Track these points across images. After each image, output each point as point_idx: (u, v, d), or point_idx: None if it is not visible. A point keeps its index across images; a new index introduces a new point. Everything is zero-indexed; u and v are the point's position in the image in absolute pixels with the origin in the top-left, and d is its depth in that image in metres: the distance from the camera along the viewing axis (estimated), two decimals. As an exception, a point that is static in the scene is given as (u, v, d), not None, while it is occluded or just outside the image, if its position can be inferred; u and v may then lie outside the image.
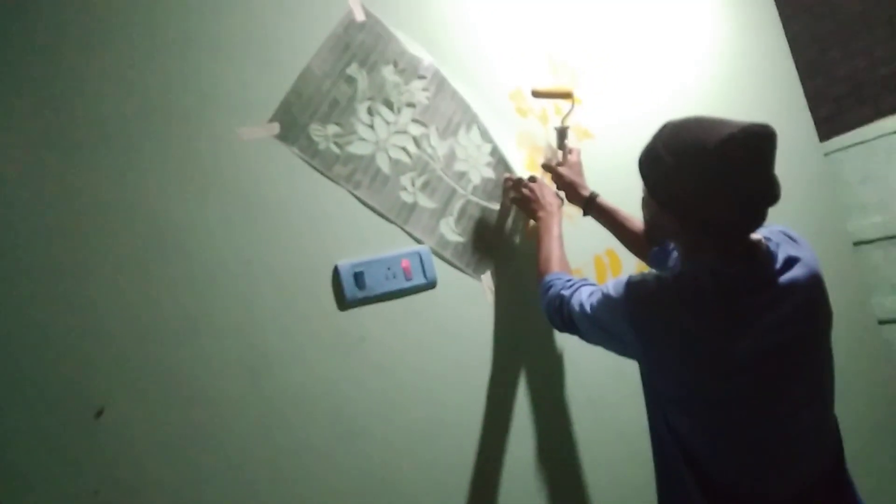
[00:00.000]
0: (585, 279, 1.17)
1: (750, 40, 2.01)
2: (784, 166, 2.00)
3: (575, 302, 1.08)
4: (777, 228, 1.01)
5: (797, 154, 1.99)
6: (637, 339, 0.96)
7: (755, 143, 0.85)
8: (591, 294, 1.06)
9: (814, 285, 0.94)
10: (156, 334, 1.04)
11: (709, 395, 0.93)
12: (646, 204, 1.03)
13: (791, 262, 0.94)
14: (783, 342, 0.90)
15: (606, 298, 1.01)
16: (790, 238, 0.99)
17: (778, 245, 0.95)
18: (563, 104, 1.51)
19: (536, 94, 1.47)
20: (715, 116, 0.91)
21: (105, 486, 0.96)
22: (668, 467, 1.01)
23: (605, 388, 1.45)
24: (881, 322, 2.12)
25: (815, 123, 2.32)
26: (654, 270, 1.12)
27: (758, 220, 0.90)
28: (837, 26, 2.92)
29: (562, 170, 1.42)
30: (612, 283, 1.02)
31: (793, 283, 0.92)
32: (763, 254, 0.94)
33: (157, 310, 1.05)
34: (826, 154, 2.21)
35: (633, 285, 0.98)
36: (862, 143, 2.11)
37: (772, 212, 1.67)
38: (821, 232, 1.98)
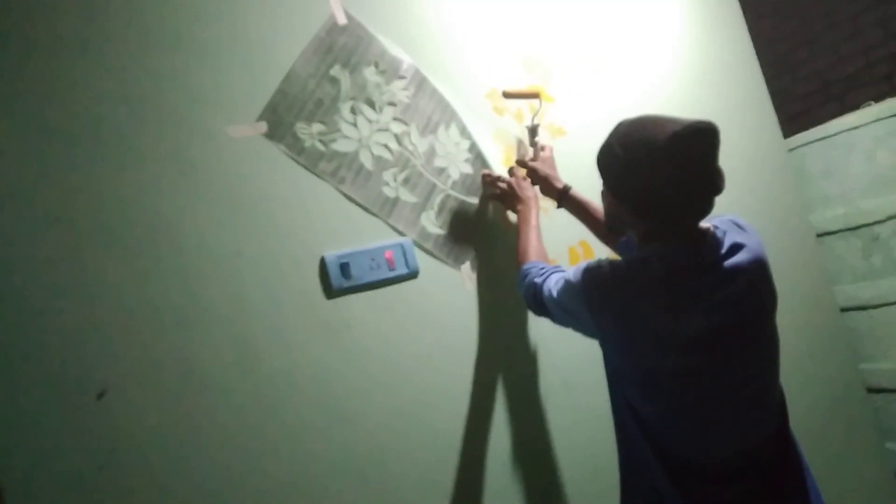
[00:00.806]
0: (558, 266, 1.25)
1: (716, 40, 2.10)
2: (748, 161, 2.12)
3: (545, 288, 1.16)
4: (727, 218, 1.09)
5: (761, 149, 2.08)
6: (592, 320, 1.05)
7: (700, 139, 0.93)
8: (557, 281, 1.14)
9: (757, 269, 1.02)
10: (151, 322, 1.10)
11: (657, 371, 1.01)
12: (604, 196, 1.12)
13: (736, 248, 1.01)
14: (727, 321, 0.98)
15: (567, 284, 1.10)
16: (738, 226, 1.07)
17: (725, 232, 1.03)
18: (537, 103, 1.59)
19: (507, 96, 1.55)
20: (665, 115, 0.99)
21: (109, 462, 1.02)
22: (627, 439, 1.10)
23: (577, 372, 1.53)
24: (843, 310, 2.23)
25: (786, 120, 2.43)
26: (617, 257, 1.20)
27: (704, 208, 0.98)
28: (803, 25, 3.03)
29: (535, 165, 1.49)
30: (573, 270, 1.11)
31: (737, 268, 1.00)
32: (710, 240, 1.02)
33: (151, 299, 1.11)
34: (791, 149, 2.32)
35: (589, 271, 1.07)
36: (824, 138, 2.21)
37: (736, 204, 1.77)
38: (784, 224, 2.09)
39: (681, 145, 0.92)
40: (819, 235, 2.26)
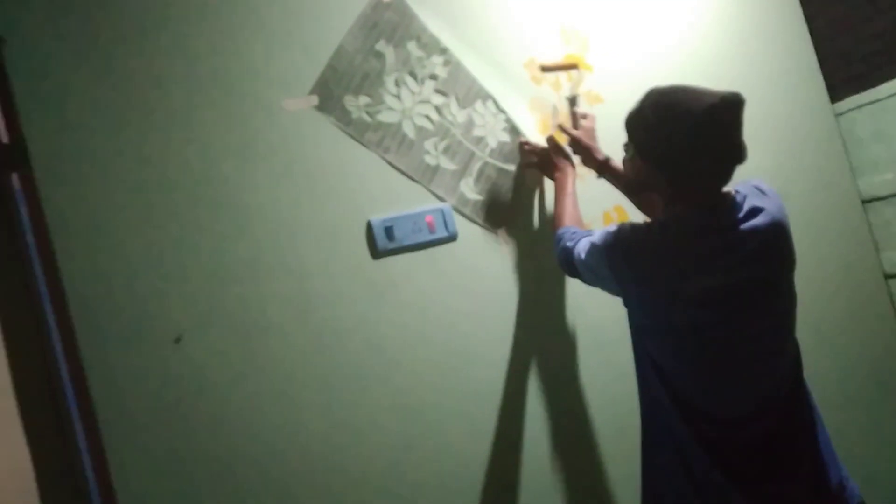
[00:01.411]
0: (590, 231, 1.32)
1: (760, 2, 2.07)
2: (792, 125, 2.11)
3: (576, 251, 1.25)
4: (751, 183, 1.14)
5: (806, 114, 2.06)
6: (614, 278, 1.14)
7: (729, 111, 0.99)
8: (585, 244, 1.22)
9: (774, 232, 1.07)
10: (220, 276, 1.24)
11: (673, 326, 1.09)
12: (630, 161, 1.18)
13: (755, 211, 1.07)
14: (741, 279, 1.04)
15: (592, 246, 1.19)
16: (760, 191, 1.12)
17: (745, 196, 1.09)
18: (576, 73, 1.64)
19: (546, 69, 1.60)
20: (695, 86, 1.05)
21: (185, 400, 1.18)
22: (648, 388, 1.18)
23: (608, 331, 1.60)
24: (889, 276, 2.20)
25: (846, 81, 2.37)
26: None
27: (727, 176, 1.05)
28: (868, -18, 2.88)
29: (578, 135, 1.53)
30: (599, 233, 1.19)
31: (754, 230, 1.05)
32: (729, 204, 1.07)
33: (220, 256, 1.25)
34: (840, 114, 2.27)
35: (611, 233, 1.15)
36: (875, 101, 2.16)
37: (778, 169, 1.79)
38: (829, 189, 2.07)
39: (711, 116, 0.98)
40: (868, 201, 2.22)
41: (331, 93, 1.39)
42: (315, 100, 1.37)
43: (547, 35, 1.68)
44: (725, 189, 1.09)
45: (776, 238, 1.08)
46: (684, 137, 1.01)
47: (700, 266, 1.05)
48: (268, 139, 1.32)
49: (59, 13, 1.18)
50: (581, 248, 1.23)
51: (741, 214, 1.06)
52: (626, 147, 1.18)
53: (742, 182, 1.13)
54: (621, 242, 1.12)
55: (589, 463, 1.54)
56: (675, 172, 1.07)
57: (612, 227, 1.17)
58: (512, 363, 1.50)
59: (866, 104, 2.21)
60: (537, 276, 1.57)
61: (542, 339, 1.55)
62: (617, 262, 1.12)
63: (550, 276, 1.58)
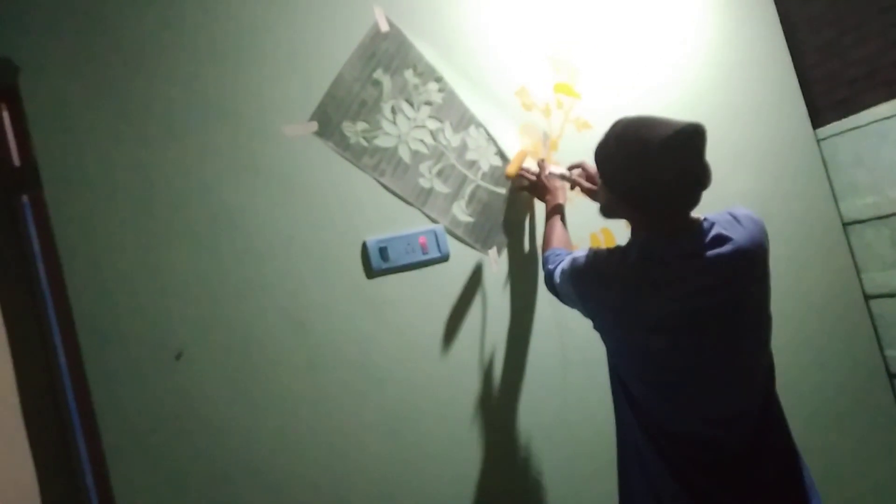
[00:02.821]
0: (572, 252, 1.36)
1: (745, 31, 2.14)
2: (775, 150, 2.18)
3: (555, 275, 1.31)
4: (728, 210, 1.17)
5: (788, 139, 2.13)
6: (580, 302, 1.20)
7: (688, 142, 1.03)
8: (561, 268, 1.28)
9: (738, 260, 1.08)
10: (221, 294, 1.29)
11: (634, 349, 1.13)
12: (600, 189, 1.23)
13: (720, 240, 1.08)
14: (700, 307, 1.06)
15: (563, 272, 1.25)
16: (734, 219, 1.13)
17: (713, 224, 1.10)
18: (564, 106, 1.70)
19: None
20: (659, 117, 1.08)
21: (184, 415, 1.23)
22: (619, 408, 1.23)
23: (595, 349, 1.65)
24: (872, 297, 2.27)
25: (832, 105, 2.44)
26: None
27: (689, 203, 1.08)
28: (851, 9, 3.01)
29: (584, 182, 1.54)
30: (571, 257, 1.24)
31: (717, 257, 1.07)
32: (695, 232, 1.09)
33: (220, 275, 1.30)
34: (822, 139, 2.35)
35: (576, 259, 1.21)
36: (856, 128, 2.23)
37: (761, 192, 1.82)
38: (811, 212, 2.14)
39: (668, 146, 1.02)
40: (849, 224, 2.29)
41: (329, 119, 1.45)
42: (314, 126, 1.43)
43: (537, 64, 1.74)
44: (695, 216, 1.12)
45: (739, 266, 1.08)
46: (642, 167, 1.05)
47: (660, 292, 1.08)
48: (268, 163, 1.38)
49: (71, 43, 1.24)
50: (558, 272, 1.29)
51: (706, 242, 1.08)
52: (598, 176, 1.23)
53: (720, 211, 1.16)
54: (587, 268, 1.18)
55: (577, 479, 1.58)
56: (636, 201, 1.11)
57: (581, 253, 1.23)
58: (501, 381, 1.56)
59: (847, 130, 2.29)
60: (527, 296, 1.62)
61: (530, 357, 1.60)
62: (582, 287, 1.19)
63: (539, 296, 1.63)
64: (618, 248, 1.17)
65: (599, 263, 1.17)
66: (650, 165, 1.04)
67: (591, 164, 1.54)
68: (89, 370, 1.18)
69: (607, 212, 1.24)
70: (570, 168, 1.57)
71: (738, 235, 1.10)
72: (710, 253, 1.08)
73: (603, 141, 1.15)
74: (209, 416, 1.25)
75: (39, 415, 1.24)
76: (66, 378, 1.23)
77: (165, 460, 1.20)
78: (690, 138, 1.03)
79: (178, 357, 1.25)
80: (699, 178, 1.06)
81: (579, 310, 1.26)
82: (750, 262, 1.10)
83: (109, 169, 1.25)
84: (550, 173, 1.57)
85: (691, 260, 1.08)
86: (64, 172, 1.22)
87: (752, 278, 1.11)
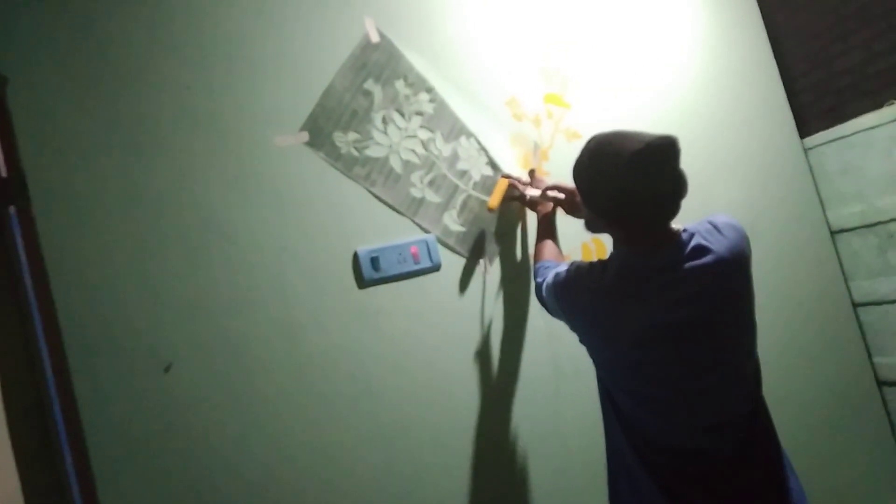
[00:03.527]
0: (559, 265, 1.36)
1: (732, 42, 2.17)
2: (763, 160, 2.20)
3: (542, 288, 1.32)
4: (708, 219, 1.16)
5: (776, 149, 2.16)
6: (563, 315, 1.21)
7: (658, 154, 1.02)
8: (546, 282, 1.29)
9: (718, 270, 1.07)
10: (210, 305, 1.28)
11: (616, 361, 1.14)
12: (581, 205, 1.22)
13: (700, 251, 1.08)
14: (680, 318, 1.06)
15: (547, 286, 1.26)
16: (715, 228, 1.12)
17: (692, 235, 1.10)
18: (554, 116, 1.70)
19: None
20: (633, 131, 1.07)
21: (174, 427, 1.21)
22: (606, 418, 1.23)
23: (586, 360, 1.66)
24: (859, 304, 2.29)
25: (820, 115, 2.47)
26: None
27: (665, 216, 1.07)
28: (838, 20, 3.05)
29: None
30: (554, 271, 1.25)
31: (696, 269, 1.06)
32: (674, 244, 1.09)
33: (210, 287, 1.29)
34: (809, 148, 2.37)
35: (559, 274, 1.22)
36: (842, 137, 2.26)
37: (749, 202, 1.83)
38: (799, 220, 2.16)
39: (640, 162, 1.01)
40: (836, 232, 2.31)
41: (321, 129, 1.45)
42: (305, 136, 1.43)
43: (528, 74, 1.75)
44: (676, 227, 1.12)
45: (720, 276, 1.08)
46: (614, 184, 1.05)
47: (640, 306, 1.08)
48: (259, 173, 1.37)
49: (60, 54, 1.24)
50: (544, 286, 1.30)
51: (685, 254, 1.08)
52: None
53: (699, 221, 1.16)
54: (568, 283, 1.19)
55: (570, 490, 1.58)
56: (612, 217, 1.11)
57: (564, 267, 1.24)
58: (493, 391, 1.55)
59: (834, 140, 2.31)
60: (519, 306, 1.62)
61: (523, 368, 1.60)
62: (564, 301, 1.20)
63: (531, 306, 1.63)
64: (598, 263, 1.18)
65: (580, 278, 1.18)
66: (622, 182, 1.04)
67: (566, 183, 1.55)
68: (76, 383, 1.16)
69: (590, 227, 1.24)
70: (546, 189, 1.55)
71: (719, 245, 1.10)
72: (690, 265, 1.07)
73: (578, 158, 1.15)
74: (200, 428, 1.24)
75: (25, 428, 1.22)
76: (52, 391, 1.21)
77: (155, 474, 1.18)
78: (661, 151, 1.02)
79: (167, 369, 1.24)
80: (673, 190, 1.05)
81: (564, 322, 1.26)
82: (731, 271, 1.10)
83: (98, 180, 1.24)
84: (531, 197, 1.58)
85: (671, 272, 1.08)
86: (52, 183, 1.21)
87: (733, 287, 1.11)
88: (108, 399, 1.18)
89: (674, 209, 1.07)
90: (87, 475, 1.16)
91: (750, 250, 1.15)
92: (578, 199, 1.46)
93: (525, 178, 1.65)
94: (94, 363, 1.18)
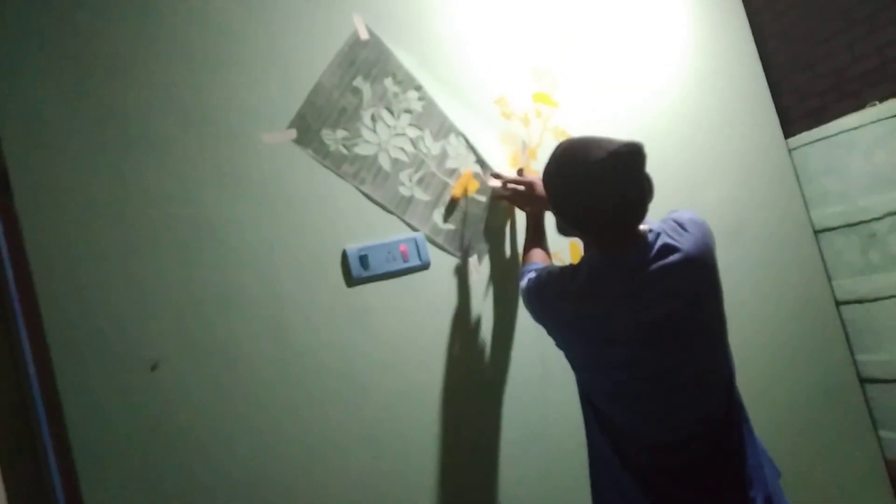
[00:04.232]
0: (540, 267, 1.35)
1: (719, 43, 2.19)
2: (748, 160, 2.23)
3: (521, 291, 1.33)
4: (672, 216, 1.17)
5: (761, 149, 2.18)
6: (537, 318, 1.23)
7: (624, 162, 1.03)
8: (523, 286, 1.30)
9: (686, 268, 1.08)
10: (197, 303, 1.27)
11: (593, 363, 1.16)
12: (552, 210, 1.22)
13: (667, 250, 1.09)
14: (652, 318, 1.07)
15: (522, 290, 1.28)
16: (679, 226, 1.13)
17: (658, 235, 1.11)
18: (543, 115, 1.71)
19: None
20: (599, 138, 1.08)
21: (161, 427, 1.20)
22: (585, 417, 1.25)
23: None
24: (842, 303, 2.32)
25: (803, 116, 2.51)
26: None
27: (633, 219, 1.08)
28: (821, 22, 3.09)
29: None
30: (528, 277, 1.27)
31: (664, 269, 1.07)
32: (641, 245, 1.10)
33: (196, 285, 1.28)
34: (794, 149, 2.40)
35: (533, 277, 1.24)
36: (825, 138, 2.29)
37: (735, 201, 1.84)
38: (783, 220, 2.18)
39: (604, 170, 1.02)
40: (820, 231, 2.34)
41: (309, 127, 1.44)
42: (293, 133, 1.42)
43: (517, 73, 1.76)
44: (642, 227, 1.12)
45: (689, 274, 1.09)
46: (580, 192, 1.07)
47: (610, 308, 1.10)
48: (247, 171, 1.36)
49: (46, 50, 1.22)
50: (521, 290, 1.31)
51: (652, 254, 1.08)
52: None
53: (663, 218, 1.17)
54: (539, 287, 1.21)
55: (558, 491, 1.58)
56: (578, 222, 1.12)
57: (536, 272, 1.25)
58: (482, 390, 1.55)
59: (817, 140, 2.34)
60: (507, 304, 1.63)
61: (511, 367, 1.60)
62: (536, 305, 1.22)
63: (519, 305, 1.64)
64: (569, 267, 1.19)
65: (551, 282, 1.19)
66: (588, 190, 1.05)
67: (527, 177, 1.57)
68: (60, 382, 1.15)
69: (561, 231, 1.25)
70: (507, 182, 1.58)
71: (685, 243, 1.11)
72: (658, 265, 1.08)
73: (546, 165, 1.16)
74: (187, 427, 1.22)
75: (7, 430, 1.20)
76: (35, 389, 1.20)
77: (141, 475, 1.17)
78: (627, 158, 1.03)
79: (153, 368, 1.23)
80: (639, 196, 1.06)
81: (540, 324, 1.27)
82: (699, 267, 1.11)
83: (83, 176, 1.23)
84: (493, 188, 1.62)
85: (640, 274, 1.09)
86: (35, 180, 1.19)
87: (702, 283, 1.12)
88: (93, 398, 1.17)
89: (641, 214, 1.09)
90: (71, 475, 1.15)
91: (714, 244, 1.16)
92: (536, 193, 1.51)
93: (514, 176, 1.65)
94: (78, 361, 1.16)
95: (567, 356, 1.24)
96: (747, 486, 1.10)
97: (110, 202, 1.24)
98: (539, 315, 1.24)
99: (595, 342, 1.13)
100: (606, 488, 1.20)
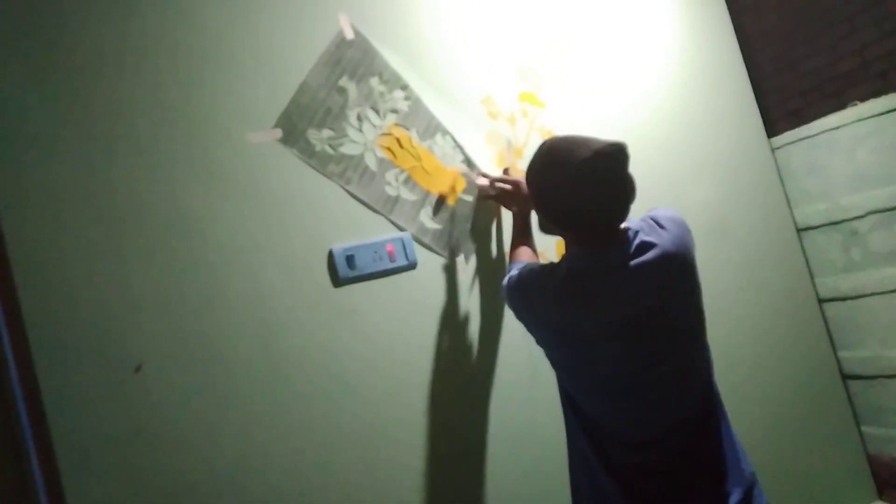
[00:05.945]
0: (523, 265, 1.35)
1: (703, 45, 2.21)
2: (732, 159, 2.25)
3: (503, 289, 1.33)
4: (651, 214, 1.18)
5: (744, 148, 2.21)
6: (517, 316, 1.24)
7: (607, 162, 1.04)
8: (503, 284, 1.31)
9: (664, 265, 1.09)
10: (181, 305, 1.26)
11: (573, 361, 1.17)
12: (534, 208, 1.24)
13: (645, 247, 1.09)
14: (631, 314, 1.08)
15: (503, 288, 1.29)
16: (657, 223, 1.14)
17: (637, 233, 1.11)
18: (529, 114, 1.71)
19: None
20: (583, 137, 1.09)
21: (145, 429, 1.19)
22: (565, 414, 1.25)
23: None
24: (824, 301, 2.35)
25: (785, 116, 2.53)
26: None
27: (612, 219, 1.10)
28: (803, 23, 3.12)
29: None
30: (509, 275, 1.27)
31: (642, 266, 1.08)
32: (621, 242, 1.10)
33: (181, 285, 1.27)
34: (777, 148, 2.43)
35: (513, 276, 1.25)
36: (808, 137, 2.32)
37: (718, 200, 1.86)
38: (766, 218, 2.21)
39: (588, 170, 1.03)
40: (802, 230, 2.37)
41: (294, 126, 1.44)
42: (279, 133, 1.42)
43: (503, 73, 1.76)
44: (623, 225, 1.13)
45: (666, 270, 1.10)
46: (563, 192, 1.08)
47: (590, 306, 1.11)
48: (232, 171, 1.36)
49: (29, 51, 1.20)
50: (503, 286, 1.32)
51: (630, 251, 1.09)
52: None
53: (642, 217, 1.18)
54: (519, 285, 1.22)
55: (546, 490, 1.59)
56: (558, 218, 1.13)
57: (517, 270, 1.26)
58: (470, 389, 1.56)
59: (800, 140, 2.37)
60: (494, 304, 1.63)
61: (498, 366, 1.61)
62: (516, 302, 1.23)
63: (504, 304, 1.64)
64: (549, 265, 1.20)
65: (531, 280, 1.20)
66: (571, 189, 1.06)
67: (513, 175, 1.59)
68: (42, 383, 1.13)
69: (543, 229, 1.26)
70: (494, 181, 1.59)
71: (662, 240, 1.11)
72: (636, 262, 1.09)
73: (530, 164, 1.17)
74: (172, 428, 1.22)
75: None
76: (17, 391, 1.18)
77: (125, 477, 1.16)
78: (610, 158, 1.04)
79: (137, 369, 1.22)
80: (621, 196, 1.07)
81: (523, 324, 1.27)
82: (677, 264, 1.12)
83: (66, 177, 1.21)
84: (480, 186, 1.63)
85: (618, 271, 1.09)
86: (17, 180, 1.18)
87: (680, 280, 1.13)
88: (76, 399, 1.15)
89: (623, 213, 1.10)
90: (55, 477, 1.13)
91: (693, 241, 1.17)
92: (523, 191, 1.51)
93: (500, 175, 1.66)
94: (60, 362, 1.15)
95: (547, 353, 1.25)
96: (726, 482, 1.11)
97: (93, 201, 1.23)
98: (519, 312, 1.25)
99: (574, 339, 1.14)
100: (584, 485, 1.21)
